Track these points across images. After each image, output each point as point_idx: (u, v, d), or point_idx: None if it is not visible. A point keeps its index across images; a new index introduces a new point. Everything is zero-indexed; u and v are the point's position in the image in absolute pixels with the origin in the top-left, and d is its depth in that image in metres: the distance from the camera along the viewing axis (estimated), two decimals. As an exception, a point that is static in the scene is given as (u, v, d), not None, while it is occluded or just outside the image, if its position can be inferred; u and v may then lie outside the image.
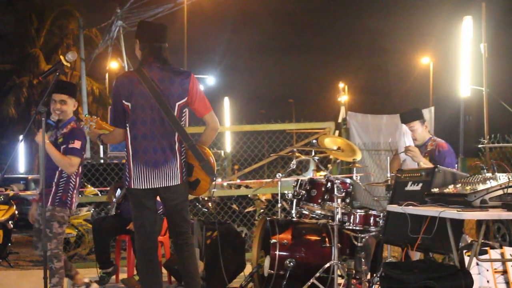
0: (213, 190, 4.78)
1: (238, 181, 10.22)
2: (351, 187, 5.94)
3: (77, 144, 5.45)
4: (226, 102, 22.82)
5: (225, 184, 11.98)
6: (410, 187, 4.90)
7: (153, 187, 4.57)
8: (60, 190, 5.47)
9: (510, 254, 4.61)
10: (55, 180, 5.48)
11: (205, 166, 4.63)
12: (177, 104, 4.57)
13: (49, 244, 5.39)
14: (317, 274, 5.52)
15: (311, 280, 5.50)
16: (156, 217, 4.81)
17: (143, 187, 4.57)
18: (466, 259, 4.36)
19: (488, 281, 4.50)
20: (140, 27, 4.76)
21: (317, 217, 6.16)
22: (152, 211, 4.70)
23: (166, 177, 4.56)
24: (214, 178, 4.70)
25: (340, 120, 9.89)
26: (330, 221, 5.84)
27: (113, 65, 24.28)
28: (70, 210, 5.56)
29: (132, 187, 4.59)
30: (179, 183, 4.61)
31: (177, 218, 4.72)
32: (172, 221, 4.77)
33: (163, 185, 4.57)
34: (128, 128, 4.60)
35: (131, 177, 4.58)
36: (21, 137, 24.86)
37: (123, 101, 4.56)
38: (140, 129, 4.54)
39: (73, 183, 5.53)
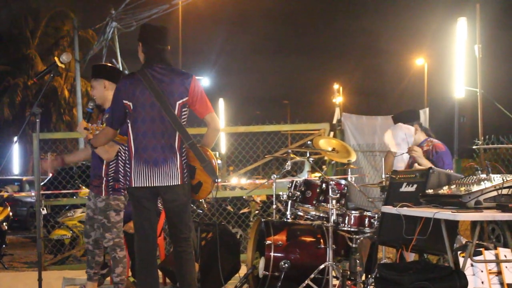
0: (215, 192, 4.79)
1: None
2: (345, 188, 5.94)
3: None
4: (221, 103, 22.86)
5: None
6: (404, 188, 4.91)
7: (152, 185, 4.57)
8: (111, 180, 5.56)
9: (505, 255, 4.63)
10: (104, 171, 5.56)
11: (207, 167, 4.63)
12: (177, 103, 4.59)
13: (109, 234, 5.52)
14: (312, 275, 5.52)
15: (306, 281, 5.50)
16: (156, 219, 4.81)
17: (143, 185, 4.57)
18: (461, 260, 4.38)
19: (482, 282, 4.51)
20: (143, 29, 4.81)
21: (312, 218, 6.16)
22: (152, 212, 4.70)
23: (165, 176, 4.56)
24: (216, 180, 4.70)
25: (335, 121, 9.88)
26: (325, 222, 5.83)
27: (108, 66, 24.22)
28: (124, 196, 5.64)
29: (133, 185, 4.59)
30: (179, 183, 4.60)
31: (177, 221, 4.70)
32: (172, 224, 4.75)
33: (163, 184, 4.57)
34: (129, 127, 4.63)
35: (132, 175, 4.59)
36: (15, 138, 24.82)
37: (124, 101, 4.60)
38: (141, 127, 4.57)
39: (122, 169, 5.59)
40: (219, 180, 4.77)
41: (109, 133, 4.83)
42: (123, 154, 5.59)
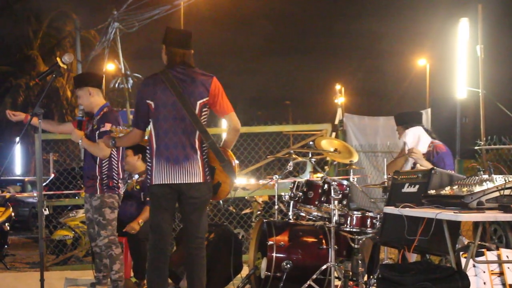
0: (234, 192, 4.84)
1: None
2: (348, 188, 5.94)
3: (107, 127, 5.56)
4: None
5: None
6: (406, 189, 4.90)
7: (174, 182, 4.62)
8: (105, 178, 5.63)
9: (507, 256, 4.62)
10: (97, 170, 5.64)
11: (226, 166, 4.69)
12: (198, 102, 4.67)
13: (105, 232, 5.60)
14: (314, 276, 5.52)
15: (308, 282, 5.50)
16: (173, 219, 4.85)
17: (165, 182, 4.62)
18: (463, 260, 4.37)
19: (484, 283, 4.51)
20: (167, 33, 4.88)
21: (314, 219, 6.16)
22: (170, 211, 4.76)
23: (187, 174, 4.62)
24: (235, 180, 4.77)
25: (337, 121, 9.90)
26: (327, 222, 5.83)
27: (110, 66, 24.25)
28: (118, 195, 5.73)
29: (153, 183, 4.65)
30: (201, 181, 4.66)
31: (196, 218, 4.74)
32: (189, 222, 4.77)
33: (185, 182, 4.62)
34: (151, 125, 4.71)
35: (153, 173, 4.65)
36: (17, 139, 24.87)
37: (147, 100, 4.69)
38: (162, 125, 4.65)
39: (116, 168, 5.70)
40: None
41: (136, 134, 4.89)
42: (115, 153, 5.71)
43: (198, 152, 4.67)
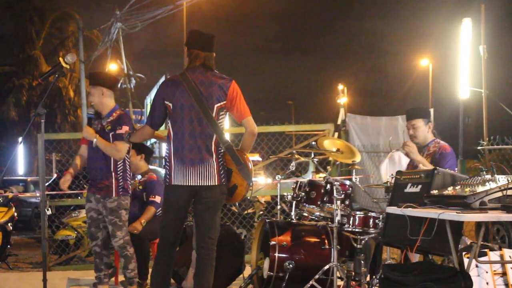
0: (249, 193, 4.93)
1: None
2: (350, 189, 5.93)
3: (123, 129, 5.66)
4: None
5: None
6: (409, 189, 4.90)
7: (191, 184, 4.66)
8: (121, 179, 5.74)
9: (510, 256, 4.61)
10: (113, 172, 5.72)
11: (242, 170, 4.73)
12: (215, 106, 4.70)
13: (120, 232, 5.72)
14: (317, 276, 5.52)
15: (311, 282, 5.50)
16: (184, 221, 4.92)
17: (182, 184, 4.66)
18: (466, 261, 4.36)
19: (487, 283, 4.50)
20: (190, 35, 4.93)
21: (316, 219, 6.15)
22: (183, 213, 4.81)
23: (202, 176, 4.66)
24: (251, 184, 4.80)
25: (339, 122, 9.90)
26: (329, 223, 5.83)
27: (113, 67, 24.28)
28: (129, 196, 5.86)
29: (173, 183, 4.69)
30: (216, 184, 4.70)
31: (209, 217, 4.78)
32: (201, 222, 4.81)
33: (200, 184, 4.67)
34: (170, 127, 4.75)
35: (172, 174, 4.70)
36: (20, 139, 24.88)
37: (165, 101, 4.72)
38: (180, 127, 4.69)
39: (128, 170, 5.82)
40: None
41: (148, 132, 4.98)
42: (128, 154, 5.80)
43: (214, 155, 4.70)
